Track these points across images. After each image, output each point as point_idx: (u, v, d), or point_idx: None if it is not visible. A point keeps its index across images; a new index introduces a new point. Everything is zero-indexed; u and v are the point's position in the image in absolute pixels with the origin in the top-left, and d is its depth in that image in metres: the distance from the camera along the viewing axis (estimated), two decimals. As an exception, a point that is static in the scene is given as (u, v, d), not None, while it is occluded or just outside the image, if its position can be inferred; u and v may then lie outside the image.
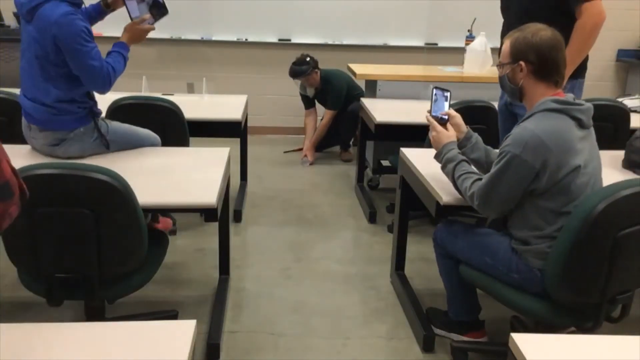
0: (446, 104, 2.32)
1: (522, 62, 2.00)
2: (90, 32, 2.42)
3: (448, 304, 2.46)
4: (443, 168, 2.20)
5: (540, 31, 1.98)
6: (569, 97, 1.99)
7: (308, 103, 5.36)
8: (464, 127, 2.29)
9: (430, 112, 2.31)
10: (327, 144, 5.38)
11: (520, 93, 2.06)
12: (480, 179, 2.03)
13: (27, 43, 2.46)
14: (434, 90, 2.33)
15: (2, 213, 1.15)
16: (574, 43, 2.67)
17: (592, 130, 2.03)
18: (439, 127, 2.24)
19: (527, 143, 1.88)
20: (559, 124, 1.92)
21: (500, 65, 2.12)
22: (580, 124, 1.96)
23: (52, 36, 2.35)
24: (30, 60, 2.46)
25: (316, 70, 5.05)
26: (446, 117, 2.29)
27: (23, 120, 2.61)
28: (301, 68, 4.99)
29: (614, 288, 1.92)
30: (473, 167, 2.17)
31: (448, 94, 2.34)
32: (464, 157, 2.16)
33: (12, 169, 1.19)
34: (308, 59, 5.00)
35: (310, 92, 5.19)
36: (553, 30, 2.00)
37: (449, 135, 2.22)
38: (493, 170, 1.97)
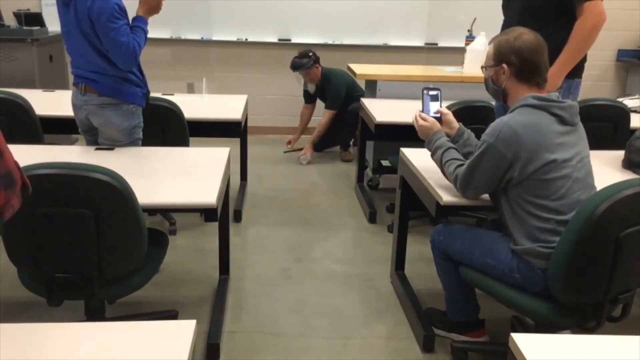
0: (437, 103, 2.40)
1: (504, 65, 2.09)
2: (121, 8, 2.52)
3: (447, 305, 2.45)
4: (433, 155, 2.30)
5: (522, 35, 2.08)
6: (552, 95, 2.05)
7: (309, 98, 5.40)
8: (456, 124, 2.37)
9: (422, 112, 2.39)
10: (327, 144, 5.38)
11: (504, 94, 2.15)
12: (463, 165, 2.13)
13: (70, 27, 2.58)
14: (424, 91, 2.41)
15: (5, 203, 1.18)
16: (573, 42, 2.66)
17: (579, 127, 2.08)
18: (430, 118, 2.34)
19: (501, 133, 1.98)
20: (536, 119, 1.99)
21: (484, 68, 2.21)
22: (562, 121, 2.01)
23: (87, 10, 2.46)
24: (79, 38, 2.57)
25: (317, 65, 5.07)
26: (438, 115, 2.37)
27: (74, 89, 2.72)
28: (302, 61, 5.00)
29: (616, 287, 1.92)
30: (459, 154, 2.24)
31: (438, 93, 2.41)
32: (451, 145, 2.26)
33: (14, 161, 1.21)
34: (310, 53, 5.03)
35: (311, 87, 5.21)
36: (536, 35, 2.09)
37: (437, 124, 2.33)
38: (472, 157, 2.08)
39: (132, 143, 2.74)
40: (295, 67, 5.04)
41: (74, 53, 2.65)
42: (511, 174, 1.99)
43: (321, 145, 5.37)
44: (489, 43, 2.20)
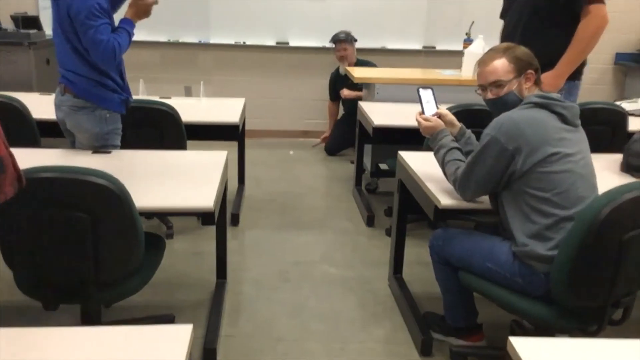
0: (434, 104, 2.41)
1: (531, 71, 2.12)
2: (102, 7, 2.48)
3: (445, 310, 2.44)
4: (436, 153, 2.30)
5: (520, 44, 2.18)
6: (554, 95, 2.08)
7: (335, 94, 5.45)
8: (457, 123, 2.39)
9: (422, 114, 2.39)
10: (342, 147, 5.38)
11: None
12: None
13: (56, 22, 2.57)
14: (420, 91, 2.41)
15: None
16: (576, 43, 2.70)
17: (580, 129, 2.10)
18: (433, 117, 2.35)
19: (502, 125, 2.01)
20: (537, 114, 2.03)
21: (498, 86, 2.13)
22: (564, 120, 2.03)
23: (67, 7, 2.44)
24: (60, 36, 2.57)
25: (354, 45, 5.21)
26: (438, 116, 2.38)
27: (57, 88, 2.70)
28: (339, 35, 5.18)
29: (619, 291, 1.92)
30: (462, 155, 2.24)
31: (432, 91, 2.42)
32: (456, 145, 2.27)
33: (8, 149, 1.21)
34: (352, 34, 5.21)
35: (342, 69, 5.21)
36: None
37: (440, 122, 2.35)
38: (474, 152, 2.09)
39: (105, 149, 2.70)
40: (332, 38, 5.21)
41: (58, 52, 2.64)
42: (514, 167, 1.98)
43: (336, 148, 5.36)
44: (492, 61, 2.12)
